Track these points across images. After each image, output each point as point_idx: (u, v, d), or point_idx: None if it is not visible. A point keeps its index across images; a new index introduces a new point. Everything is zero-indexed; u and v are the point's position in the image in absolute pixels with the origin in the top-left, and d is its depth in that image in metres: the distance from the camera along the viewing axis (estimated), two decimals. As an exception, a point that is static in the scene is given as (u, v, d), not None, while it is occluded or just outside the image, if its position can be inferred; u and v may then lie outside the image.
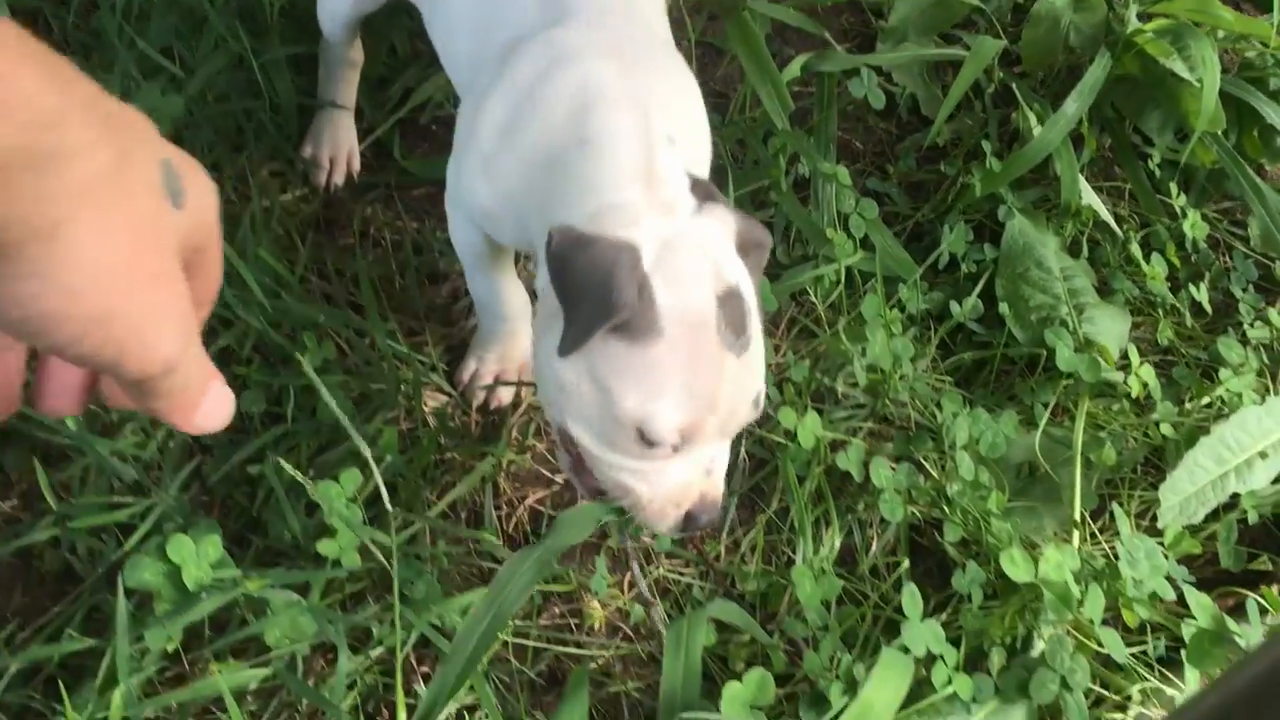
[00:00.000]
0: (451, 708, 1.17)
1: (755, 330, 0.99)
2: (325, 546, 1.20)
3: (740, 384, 0.97)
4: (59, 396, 0.53)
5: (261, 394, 1.32)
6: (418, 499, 1.34)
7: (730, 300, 0.96)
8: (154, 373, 0.47)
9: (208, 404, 0.51)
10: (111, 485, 1.24)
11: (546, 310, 1.01)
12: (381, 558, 1.19)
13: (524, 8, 1.13)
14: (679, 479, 0.98)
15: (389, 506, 1.17)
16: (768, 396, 1.48)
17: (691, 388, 0.93)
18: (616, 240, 0.94)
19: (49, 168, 0.40)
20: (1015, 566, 1.22)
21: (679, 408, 0.93)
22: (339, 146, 1.57)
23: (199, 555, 1.05)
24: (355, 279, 1.49)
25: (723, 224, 1.00)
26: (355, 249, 1.53)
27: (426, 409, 1.40)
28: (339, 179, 1.57)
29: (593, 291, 0.92)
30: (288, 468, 1.13)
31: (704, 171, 1.14)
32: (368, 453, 1.14)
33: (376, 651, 1.20)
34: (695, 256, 0.96)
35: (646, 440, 0.94)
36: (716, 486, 1.01)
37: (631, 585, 1.38)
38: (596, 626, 1.33)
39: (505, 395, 1.42)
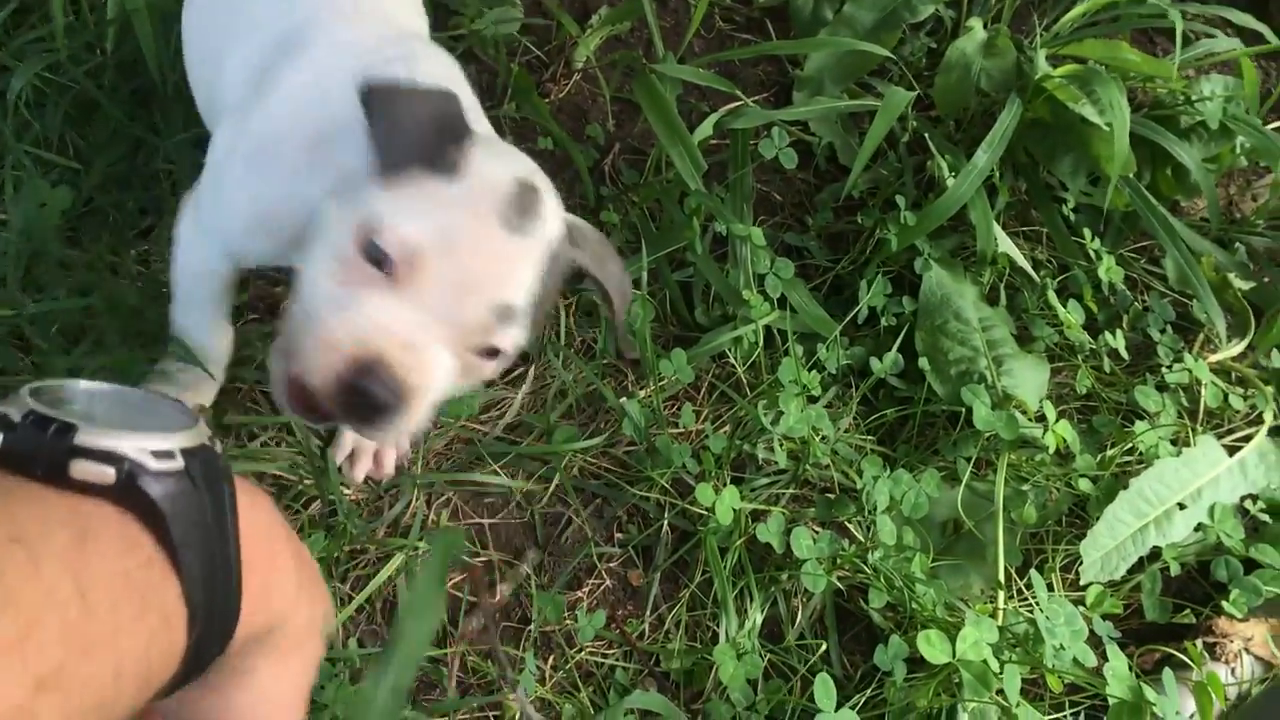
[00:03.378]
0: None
1: (537, 240, 0.90)
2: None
3: (493, 266, 0.87)
4: None
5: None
6: (332, 593, 1.30)
7: (527, 192, 0.90)
8: None
9: None
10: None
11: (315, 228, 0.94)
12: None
13: (262, 29, 1.12)
14: (368, 312, 0.85)
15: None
16: (684, 466, 1.47)
17: (442, 222, 0.86)
18: (441, 89, 0.91)
19: (267, 639, 0.49)
20: (932, 648, 1.21)
21: (416, 224, 0.85)
22: None
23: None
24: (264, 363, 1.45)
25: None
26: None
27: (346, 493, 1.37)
28: None
29: (420, 128, 0.87)
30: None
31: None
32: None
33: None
34: (507, 149, 0.96)
35: (367, 251, 0.85)
36: (406, 366, 0.85)
37: (555, 669, 1.36)
38: (517, 718, 1.30)
39: None
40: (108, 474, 0.38)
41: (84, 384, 0.43)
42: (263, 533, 0.47)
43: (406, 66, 1.00)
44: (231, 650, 0.46)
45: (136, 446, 0.39)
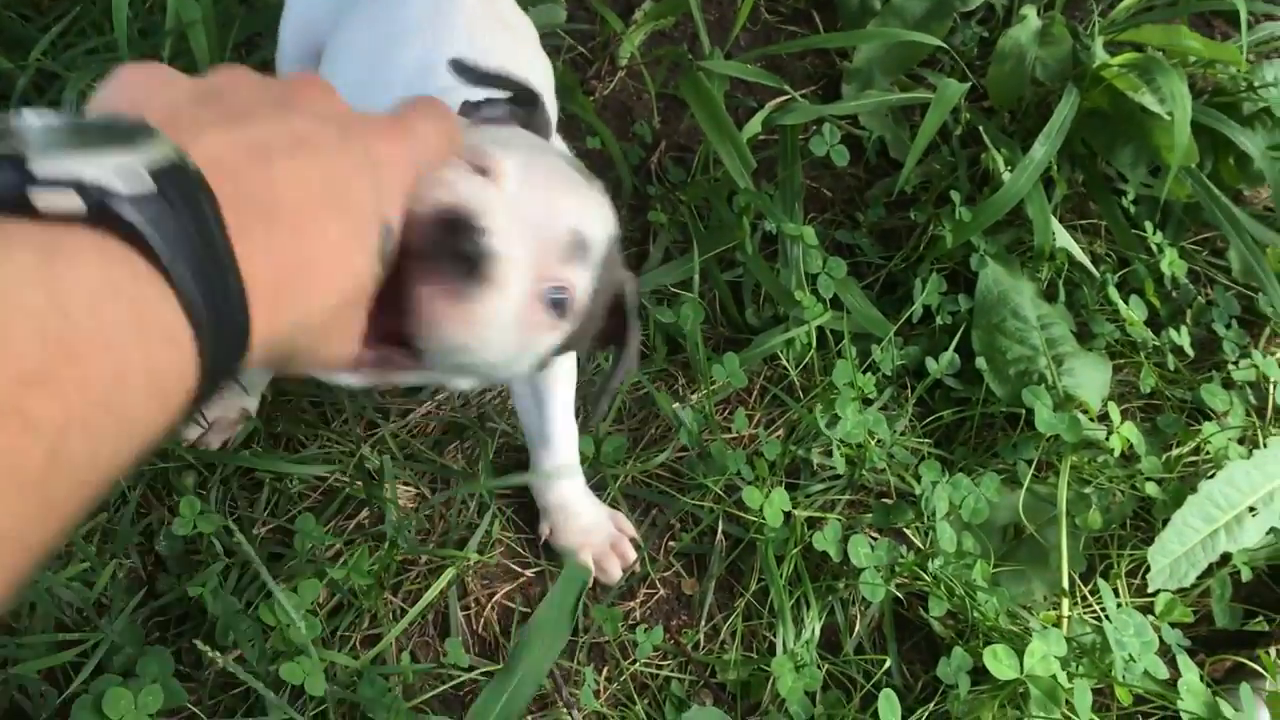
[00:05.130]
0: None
1: (601, 206, 0.82)
2: (289, 672, 1.15)
3: (569, 196, 0.79)
4: None
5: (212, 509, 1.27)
6: (382, 606, 1.29)
7: (586, 172, 0.85)
8: None
9: None
10: (61, 615, 1.20)
11: None
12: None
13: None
14: (464, 186, 0.73)
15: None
16: (738, 472, 1.44)
17: (524, 149, 0.80)
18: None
19: None
20: (999, 663, 1.18)
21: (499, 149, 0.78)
22: None
23: (138, 707, 1.00)
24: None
25: None
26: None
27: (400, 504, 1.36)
28: None
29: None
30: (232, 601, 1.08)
31: None
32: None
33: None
34: None
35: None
36: (498, 233, 0.73)
37: (609, 680, 1.34)
38: (573, 731, 1.29)
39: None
40: (75, 202, 0.35)
41: (31, 116, 0.39)
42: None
43: None
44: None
45: (99, 170, 0.36)
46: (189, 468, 1.32)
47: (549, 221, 0.78)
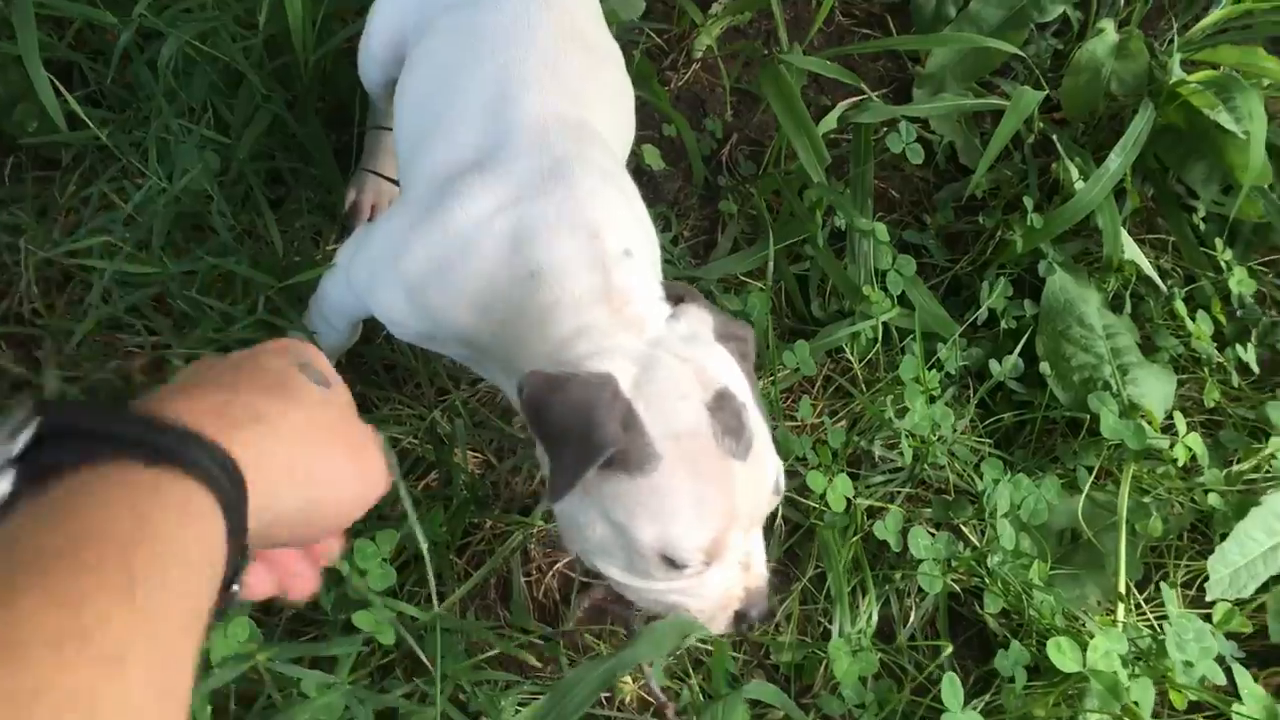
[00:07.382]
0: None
1: (755, 423, 0.94)
2: (361, 619, 1.18)
3: (754, 483, 0.93)
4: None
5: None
6: (449, 568, 1.31)
7: (723, 404, 0.91)
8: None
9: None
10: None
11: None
12: (406, 633, 1.17)
13: (466, 130, 1.09)
14: (721, 585, 0.95)
15: (430, 577, 1.16)
16: (802, 458, 1.46)
17: (704, 504, 0.90)
18: (590, 375, 0.90)
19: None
20: (1063, 655, 1.19)
21: (697, 527, 0.90)
22: (381, 196, 1.54)
23: (226, 634, 1.03)
24: (390, 338, 1.47)
25: (700, 322, 0.97)
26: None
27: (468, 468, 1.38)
28: None
29: (574, 433, 0.88)
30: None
31: (656, 272, 1.08)
32: (416, 525, 1.13)
33: (406, 729, 1.18)
34: (676, 370, 0.92)
35: (674, 565, 0.92)
36: (759, 576, 0.97)
37: (666, 655, 1.36)
38: (628, 700, 1.30)
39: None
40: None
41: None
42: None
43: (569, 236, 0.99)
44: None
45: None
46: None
47: (763, 510, 0.96)
